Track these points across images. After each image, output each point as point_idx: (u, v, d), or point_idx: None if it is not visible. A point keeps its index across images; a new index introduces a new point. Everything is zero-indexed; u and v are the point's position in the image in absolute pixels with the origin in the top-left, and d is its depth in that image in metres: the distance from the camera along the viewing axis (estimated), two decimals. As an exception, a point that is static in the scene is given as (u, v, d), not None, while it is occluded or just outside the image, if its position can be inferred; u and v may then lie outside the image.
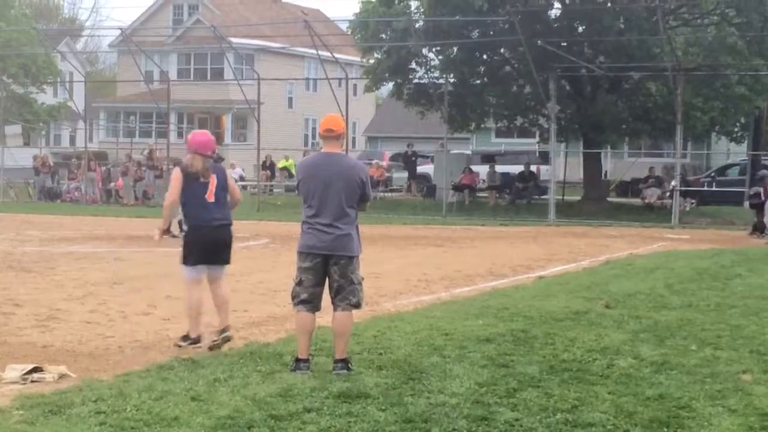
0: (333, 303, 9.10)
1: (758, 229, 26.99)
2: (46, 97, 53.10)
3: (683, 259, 19.99)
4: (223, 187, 10.39)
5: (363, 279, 9.22)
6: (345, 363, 9.01)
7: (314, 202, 9.01)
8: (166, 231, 10.87)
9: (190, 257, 10.27)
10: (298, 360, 9.04)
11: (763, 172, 29.12)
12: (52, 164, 44.56)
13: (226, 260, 10.51)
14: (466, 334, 10.91)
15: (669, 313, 12.61)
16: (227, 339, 10.23)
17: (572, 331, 11.19)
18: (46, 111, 51.25)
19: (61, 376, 8.89)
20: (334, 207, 8.97)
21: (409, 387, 8.45)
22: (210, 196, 10.25)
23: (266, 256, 20.86)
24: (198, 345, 10.17)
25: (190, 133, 10.97)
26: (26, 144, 58.16)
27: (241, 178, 49.39)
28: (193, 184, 10.24)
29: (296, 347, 9.18)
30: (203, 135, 10.77)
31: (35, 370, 8.96)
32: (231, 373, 8.91)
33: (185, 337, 10.35)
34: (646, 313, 12.61)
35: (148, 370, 9.09)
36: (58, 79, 53.08)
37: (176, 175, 10.36)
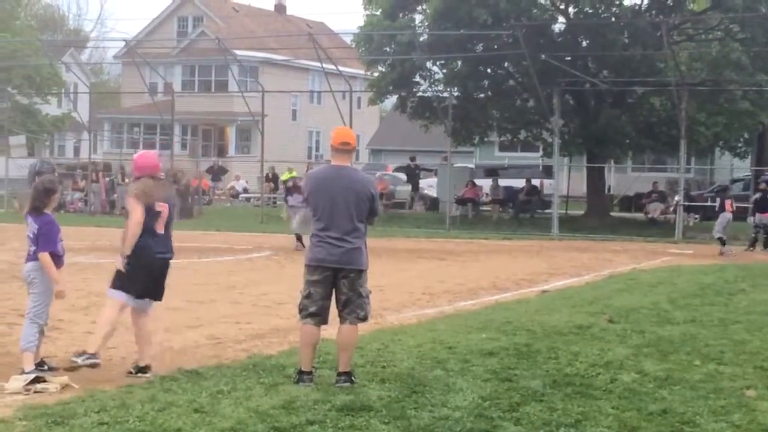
0: (340, 315, 9.07)
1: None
2: (50, 108, 53.23)
3: (686, 274, 19.97)
4: (172, 216, 9.75)
5: (370, 292, 9.22)
6: (348, 376, 9.00)
7: (324, 216, 8.97)
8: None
9: (132, 288, 9.48)
10: (301, 372, 9.02)
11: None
12: (56, 175, 44.57)
13: (159, 296, 9.82)
14: (470, 347, 10.90)
15: (672, 328, 12.59)
16: (145, 376, 9.37)
17: (575, 345, 11.17)
18: (51, 122, 51.38)
19: (64, 387, 8.88)
20: (344, 221, 8.95)
21: (413, 400, 8.44)
22: (161, 227, 9.58)
23: (269, 269, 20.85)
24: (95, 360, 9.24)
25: (138, 155, 10.01)
26: (30, 154, 58.14)
27: (245, 190, 49.51)
28: (147, 212, 9.48)
29: (300, 359, 9.15)
30: (153, 157, 9.92)
31: (38, 380, 8.96)
32: (234, 385, 8.90)
33: (80, 354, 9.29)
34: (649, 327, 12.59)
35: (150, 382, 9.09)
36: (63, 90, 53.18)
37: (133, 204, 9.48)
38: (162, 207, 9.55)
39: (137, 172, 9.64)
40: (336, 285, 9.00)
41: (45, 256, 9.37)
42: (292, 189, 25.91)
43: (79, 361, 9.19)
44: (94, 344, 9.31)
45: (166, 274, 9.74)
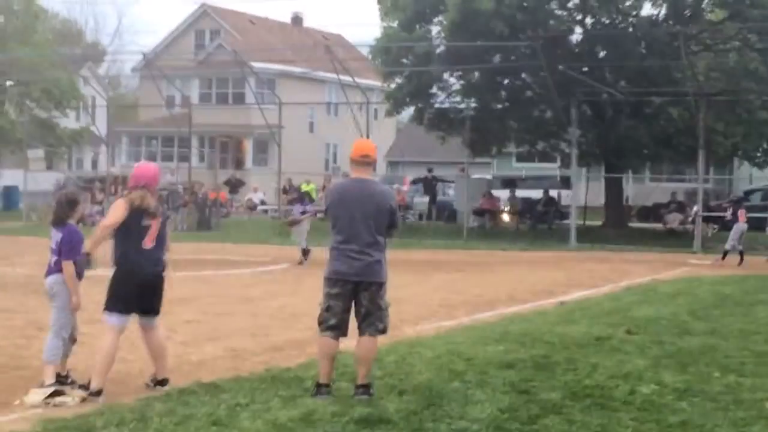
0: (360, 328, 9.03)
1: None
2: (68, 122, 53.44)
3: (706, 285, 19.88)
4: (163, 232, 9.45)
5: (389, 305, 9.20)
6: (367, 388, 8.98)
7: (344, 228, 8.95)
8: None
9: (119, 305, 9.30)
10: (319, 385, 9.00)
11: None
12: (67, 190, 44.76)
13: (156, 310, 9.56)
14: (488, 359, 10.87)
15: (692, 339, 12.53)
16: (164, 388, 9.34)
17: (594, 357, 11.13)
18: (69, 135, 51.57)
19: (83, 400, 8.90)
20: (364, 233, 8.93)
21: (431, 412, 8.42)
22: (150, 241, 9.30)
23: (287, 281, 20.86)
24: (98, 398, 9.00)
25: (137, 166, 9.78)
26: (49, 168, 58.46)
27: (262, 203, 49.58)
28: (132, 225, 9.24)
29: (318, 372, 9.13)
30: (153, 168, 9.72)
31: (57, 393, 8.98)
32: (252, 397, 8.90)
33: (84, 387, 9.22)
34: (668, 339, 12.54)
35: (169, 395, 9.09)
36: (81, 104, 53.37)
37: (120, 205, 9.32)
38: (151, 221, 9.30)
39: (132, 181, 9.42)
40: (356, 298, 8.97)
41: (69, 266, 9.43)
42: (294, 200, 25.99)
43: (83, 394, 9.08)
44: (96, 380, 9.13)
45: (162, 287, 9.54)
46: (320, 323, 9.05)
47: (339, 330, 8.98)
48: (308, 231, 24.61)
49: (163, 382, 9.49)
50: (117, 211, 9.26)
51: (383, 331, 9.11)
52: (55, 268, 9.56)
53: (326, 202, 9.30)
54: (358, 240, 8.91)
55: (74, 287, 9.49)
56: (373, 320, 8.98)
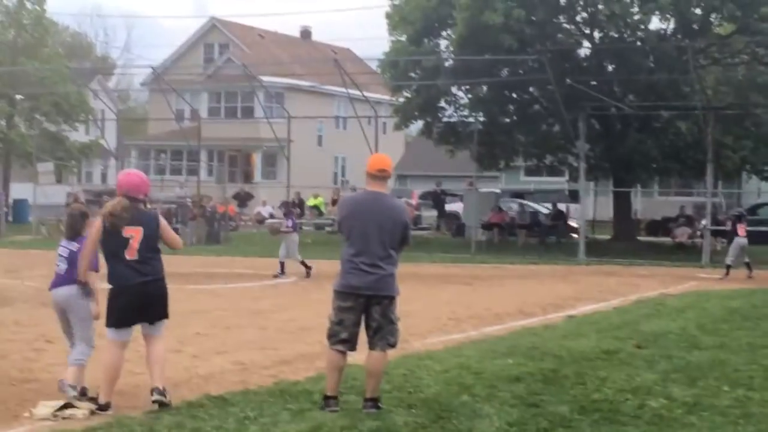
0: (370, 342, 9.00)
1: None
2: (78, 135, 53.56)
3: (715, 299, 19.85)
4: (150, 240, 9.17)
5: (399, 319, 9.20)
6: (375, 402, 8.98)
7: (358, 241, 8.92)
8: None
9: (112, 319, 9.12)
10: (327, 397, 8.98)
11: None
12: (84, 201, 44.86)
13: (160, 315, 9.30)
14: (496, 373, 10.87)
15: (701, 353, 12.51)
16: (161, 403, 9.02)
17: (603, 370, 11.11)
18: (78, 149, 51.66)
19: (92, 413, 8.91)
20: (378, 247, 8.91)
21: (439, 426, 8.42)
22: (131, 253, 9.06)
23: (296, 294, 20.87)
24: (105, 412, 8.97)
25: (121, 173, 9.67)
26: (58, 181, 58.55)
27: (271, 216, 49.60)
28: (111, 237, 9.09)
29: (326, 384, 9.12)
30: (137, 176, 9.51)
31: (66, 406, 8.99)
32: (260, 411, 8.91)
33: (93, 399, 9.20)
34: (677, 353, 12.52)
35: (178, 408, 9.10)
36: (90, 117, 53.49)
37: (96, 227, 9.20)
38: (132, 232, 9.06)
39: (118, 189, 9.25)
40: (367, 312, 8.95)
41: (92, 275, 9.44)
42: (286, 213, 25.84)
43: (92, 406, 9.05)
44: (103, 393, 9.11)
45: (158, 293, 9.22)
46: (330, 336, 9.01)
47: (350, 344, 8.96)
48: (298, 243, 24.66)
49: (160, 392, 9.06)
50: (92, 229, 9.29)
51: (394, 345, 9.10)
52: (68, 278, 9.54)
53: (340, 215, 9.26)
54: (371, 253, 8.90)
55: (95, 296, 9.51)
56: (385, 334, 8.97)
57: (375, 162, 9.25)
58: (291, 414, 8.83)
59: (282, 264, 24.31)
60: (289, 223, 24.91)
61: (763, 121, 33.71)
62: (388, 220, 8.99)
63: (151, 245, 9.20)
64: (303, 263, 24.28)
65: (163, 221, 9.48)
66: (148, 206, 9.64)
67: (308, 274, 23.99)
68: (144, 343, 9.39)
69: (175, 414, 8.82)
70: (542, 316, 17.13)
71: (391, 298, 9.02)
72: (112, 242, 9.09)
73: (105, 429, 8.22)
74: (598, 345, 13.03)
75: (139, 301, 9.12)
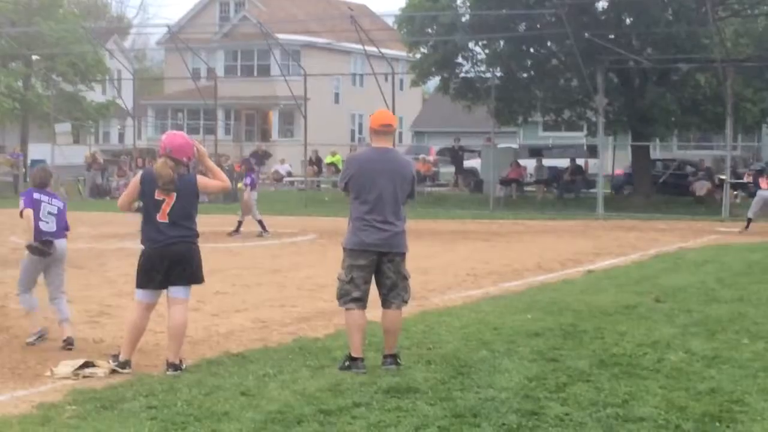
0: (385, 300, 9.00)
1: None
2: (94, 95, 53.54)
3: (734, 252, 19.80)
4: (183, 205, 9.04)
5: (410, 275, 9.20)
6: (394, 358, 9.00)
7: (370, 198, 8.86)
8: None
9: (138, 279, 9.15)
10: (353, 359, 8.90)
11: None
12: (101, 161, 44.96)
13: (186, 278, 9.11)
14: (515, 328, 10.88)
15: (720, 307, 12.49)
16: (174, 373, 8.85)
17: (622, 325, 11.12)
18: (95, 109, 51.66)
19: (113, 372, 8.96)
20: (390, 203, 8.88)
21: (458, 381, 8.44)
22: (162, 216, 8.99)
23: (314, 252, 20.90)
24: (125, 370, 8.97)
25: (165, 134, 9.50)
26: (76, 142, 58.68)
27: (289, 174, 49.65)
28: (147, 198, 9.06)
29: (350, 346, 8.99)
30: (181, 137, 9.35)
31: (87, 365, 9.05)
32: (280, 368, 8.94)
33: (115, 357, 9.21)
34: (696, 306, 12.50)
35: (197, 366, 9.15)
36: (107, 77, 53.47)
37: (134, 182, 9.28)
38: (165, 196, 8.96)
39: (161, 149, 9.18)
40: (379, 269, 8.93)
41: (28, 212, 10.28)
42: (247, 171, 25.26)
43: (111, 363, 9.11)
44: (123, 350, 9.15)
45: (183, 255, 9.04)
46: (342, 296, 8.96)
47: (361, 302, 8.93)
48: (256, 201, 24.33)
49: (173, 366, 8.94)
50: (129, 187, 9.44)
51: (406, 302, 9.12)
52: (61, 232, 10.47)
53: (347, 173, 9.10)
54: (383, 210, 8.87)
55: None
56: (399, 291, 8.98)
57: (379, 117, 9.20)
58: (310, 371, 8.86)
59: (260, 222, 24.00)
60: (247, 180, 24.54)
61: (783, 72, 33.44)
62: (398, 175, 8.96)
63: (185, 210, 9.08)
64: (260, 222, 24.06)
65: (201, 180, 9.35)
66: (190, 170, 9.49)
67: (261, 234, 23.77)
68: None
69: (195, 372, 8.87)
70: (561, 272, 17.11)
71: (403, 255, 9.02)
72: (147, 203, 9.07)
73: (126, 387, 8.26)
74: (617, 300, 13.03)
75: (165, 263, 8.98)
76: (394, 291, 8.96)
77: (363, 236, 8.89)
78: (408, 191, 9.08)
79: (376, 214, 8.87)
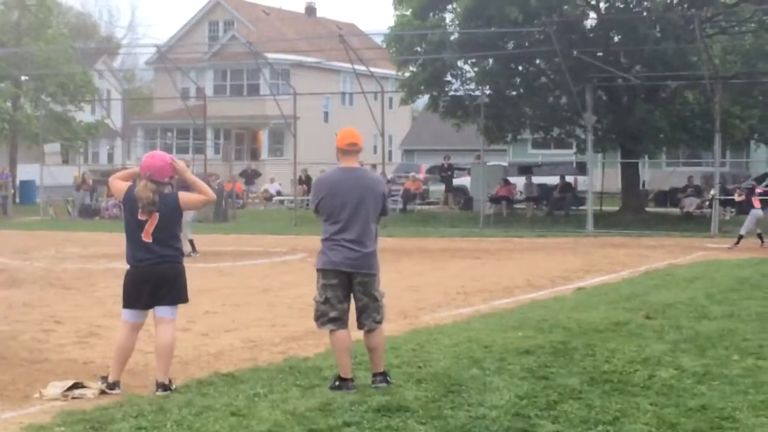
0: (358, 321, 8.94)
1: None
2: (84, 115, 53.56)
3: (724, 269, 19.82)
4: (166, 224, 9.01)
5: (384, 294, 9.09)
6: (384, 376, 8.97)
7: (341, 218, 8.78)
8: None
9: (124, 299, 9.17)
10: (343, 380, 8.84)
11: None
12: (90, 183, 44.92)
13: (170, 298, 9.08)
14: (506, 346, 10.86)
15: (710, 323, 12.49)
16: (164, 393, 8.81)
17: (612, 342, 11.11)
18: (85, 129, 51.68)
19: (102, 392, 8.92)
20: (360, 222, 8.81)
21: (449, 400, 8.41)
22: (146, 236, 8.96)
23: (304, 271, 20.83)
24: (114, 391, 8.93)
25: (145, 156, 9.45)
26: (65, 162, 58.63)
27: (278, 193, 49.65)
28: (130, 216, 9.05)
29: (339, 367, 8.94)
30: (161, 159, 9.28)
31: (76, 386, 9.00)
32: (270, 387, 8.91)
33: (105, 378, 9.16)
34: (686, 323, 12.50)
35: (187, 386, 9.11)
36: (96, 97, 53.49)
37: (132, 171, 9.55)
38: (147, 217, 8.93)
39: (141, 172, 9.11)
40: (351, 290, 8.88)
41: None
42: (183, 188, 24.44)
43: (101, 385, 9.05)
44: (112, 371, 9.12)
45: (167, 275, 9.00)
46: (319, 317, 8.88)
47: (340, 321, 8.82)
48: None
49: (163, 387, 8.91)
50: (126, 171, 9.64)
51: (380, 323, 8.99)
52: None
53: (317, 196, 9.00)
54: (353, 230, 8.79)
55: None
56: (370, 312, 8.89)
57: (345, 136, 9.11)
58: (301, 390, 8.83)
59: (190, 242, 22.56)
60: None
61: (770, 89, 33.59)
62: (369, 194, 8.90)
63: (169, 230, 9.08)
64: (191, 242, 22.62)
65: (182, 197, 9.31)
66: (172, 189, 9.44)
67: (189, 254, 22.69)
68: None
69: (184, 392, 8.83)
70: (551, 289, 17.12)
71: (373, 276, 8.92)
72: (130, 222, 9.03)
73: (115, 408, 8.22)
74: (608, 316, 13.02)
75: (150, 283, 8.96)
76: (365, 313, 8.89)
77: (331, 255, 8.81)
78: (380, 209, 9.03)
79: (346, 233, 8.79)
